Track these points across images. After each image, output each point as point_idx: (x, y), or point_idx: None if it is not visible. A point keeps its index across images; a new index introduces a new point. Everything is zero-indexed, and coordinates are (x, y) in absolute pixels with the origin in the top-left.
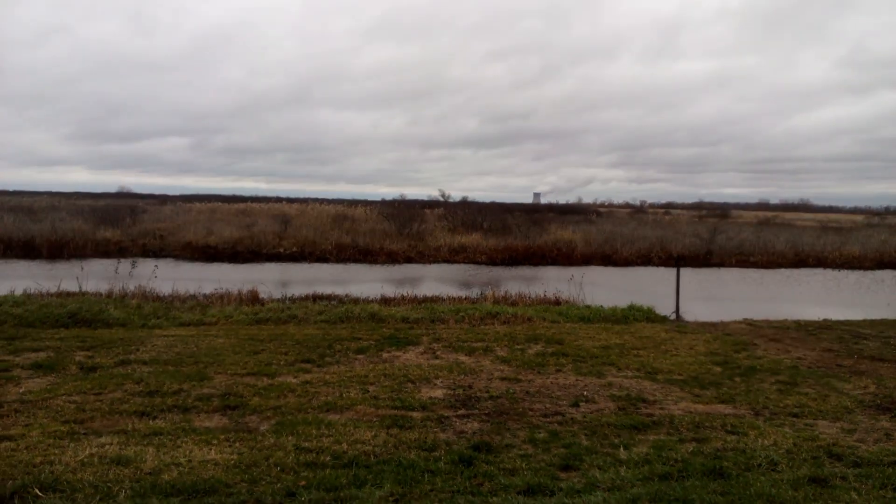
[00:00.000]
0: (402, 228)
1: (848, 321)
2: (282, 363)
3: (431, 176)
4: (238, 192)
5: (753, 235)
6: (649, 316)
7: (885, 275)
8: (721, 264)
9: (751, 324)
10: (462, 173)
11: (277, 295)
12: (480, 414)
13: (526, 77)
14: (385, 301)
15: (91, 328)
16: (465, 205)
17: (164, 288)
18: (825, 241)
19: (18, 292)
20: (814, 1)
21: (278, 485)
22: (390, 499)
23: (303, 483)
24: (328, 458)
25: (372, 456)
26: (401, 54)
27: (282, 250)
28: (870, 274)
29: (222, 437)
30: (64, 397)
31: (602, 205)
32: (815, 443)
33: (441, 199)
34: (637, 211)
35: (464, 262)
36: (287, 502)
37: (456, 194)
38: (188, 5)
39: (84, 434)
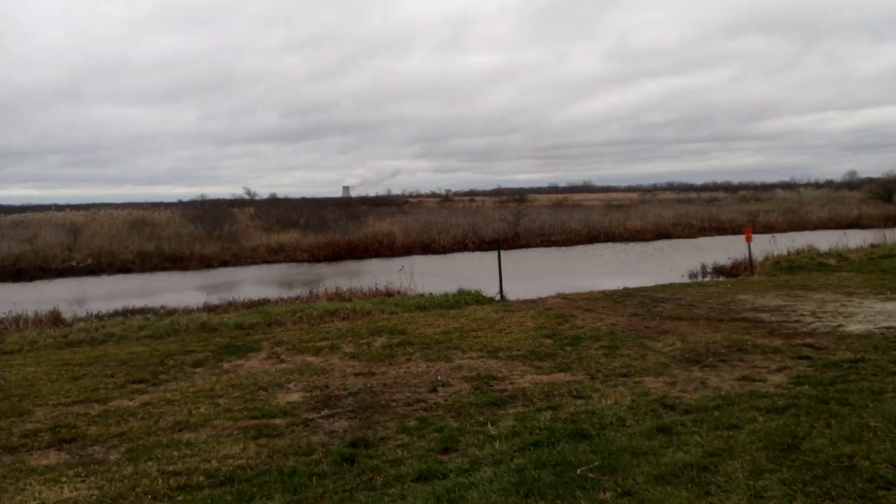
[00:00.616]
0: (211, 230)
1: (643, 287)
2: (110, 386)
3: (233, 173)
4: (3, 202)
5: (551, 217)
6: (478, 299)
7: (663, 244)
8: (528, 245)
9: (565, 297)
10: (266, 169)
11: (82, 314)
12: (345, 412)
13: (324, 69)
14: (211, 309)
15: None
16: (278, 202)
17: None
18: (611, 217)
19: None
20: None
21: None
22: None
23: None
24: (202, 479)
25: (248, 469)
26: (186, 44)
27: (74, 263)
28: (651, 245)
29: (70, 472)
30: None
31: (411, 195)
32: (649, 397)
33: (247, 196)
34: (444, 200)
35: (285, 262)
36: None
37: (263, 191)
38: None
39: None
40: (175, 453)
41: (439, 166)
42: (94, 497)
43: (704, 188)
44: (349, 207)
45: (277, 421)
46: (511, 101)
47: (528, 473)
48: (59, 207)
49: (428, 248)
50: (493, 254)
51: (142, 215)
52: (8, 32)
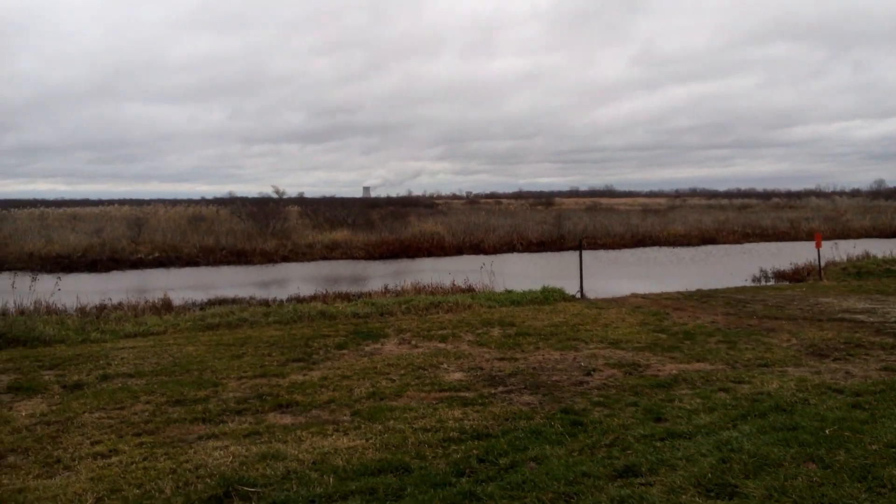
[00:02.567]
0: (264, 227)
1: (717, 289)
2: (275, 364)
3: (256, 172)
4: (31, 196)
5: (591, 220)
6: (563, 296)
7: (711, 249)
8: (575, 248)
9: (645, 297)
10: (288, 168)
11: (177, 302)
12: (520, 388)
13: (351, 71)
14: (320, 299)
15: (28, 347)
16: (326, 201)
17: (65, 301)
18: (651, 222)
19: None
20: (610, 4)
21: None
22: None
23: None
24: (455, 434)
25: (490, 427)
26: (219, 46)
27: (142, 256)
28: (698, 249)
29: (316, 429)
30: (87, 415)
31: (432, 196)
32: (809, 383)
33: (276, 195)
34: (470, 202)
35: (342, 258)
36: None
37: (291, 190)
38: None
39: (181, 443)
40: (405, 415)
41: (460, 168)
42: (376, 444)
43: (728, 194)
44: (380, 208)
45: (465, 394)
46: (535, 104)
47: (774, 434)
48: (91, 203)
49: (477, 248)
50: (542, 255)
51: (198, 211)
52: (48, 32)
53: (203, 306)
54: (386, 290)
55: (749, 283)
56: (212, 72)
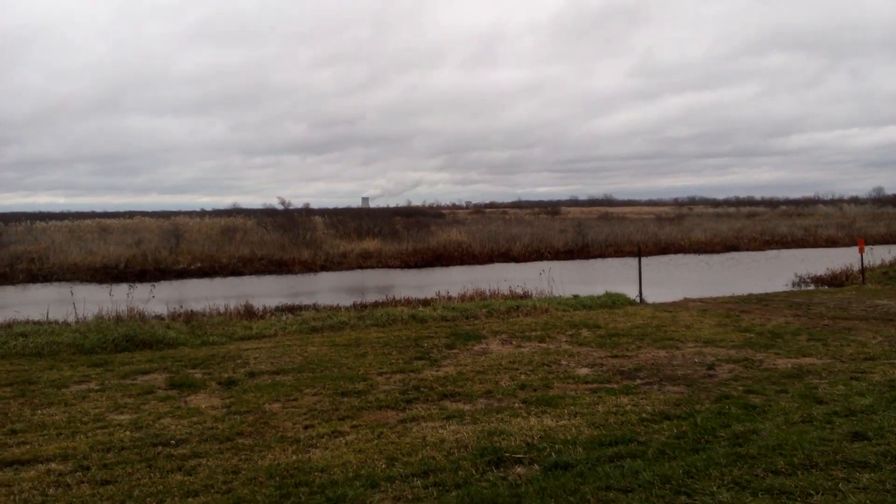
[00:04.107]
0: (295, 238)
1: (769, 293)
2: (401, 361)
3: (256, 183)
4: (32, 209)
5: (609, 229)
6: (627, 300)
7: (738, 256)
8: (601, 255)
9: (701, 301)
10: (288, 180)
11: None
12: (657, 381)
13: (353, 83)
14: (384, 304)
15: (156, 349)
16: (352, 212)
17: (155, 308)
18: (669, 230)
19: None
20: (610, 17)
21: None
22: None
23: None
24: (637, 417)
25: (670, 409)
26: (222, 59)
27: (184, 266)
28: (724, 256)
29: (511, 412)
30: (269, 405)
31: (434, 207)
32: None
33: (281, 206)
34: (476, 212)
35: (377, 267)
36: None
37: (294, 202)
38: None
39: (386, 426)
40: (577, 402)
41: (460, 178)
42: (583, 423)
43: (727, 202)
44: (402, 217)
45: (610, 385)
46: (535, 115)
47: None
48: (95, 215)
49: (507, 257)
50: (571, 262)
51: (231, 223)
52: (54, 47)
53: (281, 311)
54: (451, 297)
55: (790, 288)
56: (215, 85)
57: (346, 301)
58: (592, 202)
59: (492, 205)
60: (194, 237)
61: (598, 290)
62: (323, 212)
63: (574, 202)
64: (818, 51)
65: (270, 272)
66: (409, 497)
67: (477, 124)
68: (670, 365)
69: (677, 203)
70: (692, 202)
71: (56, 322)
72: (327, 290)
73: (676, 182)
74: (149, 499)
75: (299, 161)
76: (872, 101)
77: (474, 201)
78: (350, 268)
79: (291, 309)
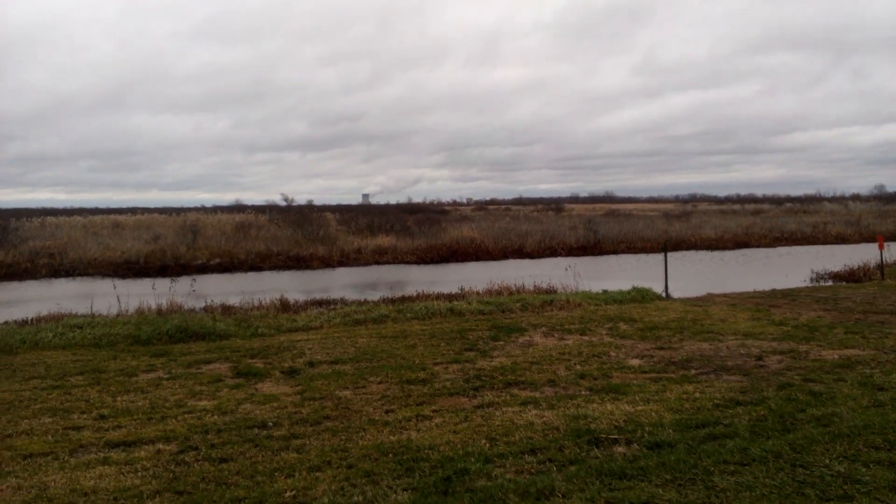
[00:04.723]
0: (308, 234)
1: (792, 289)
2: (452, 352)
3: (257, 180)
4: (29, 205)
5: (619, 225)
6: (655, 296)
7: (748, 253)
8: (614, 251)
9: (726, 296)
10: (289, 176)
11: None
12: (711, 371)
13: (356, 81)
14: (416, 298)
15: (209, 340)
16: (364, 208)
17: (194, 302)
18: (678, 227)
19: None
20: (613, 15)
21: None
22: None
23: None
24: (711, 404)
25: (739, 396)
26: (226, 57)
27: (204, 261)
28: (736, 253)
29: (584, 399)
30: (340, 392)
31: (434, 203)
32: None
33: (285, 203)
34: (479, 208)
35: (393, 263)
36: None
37: (299, 198)
38: None
39: (464, 410)
40: (644, 390)
41: (460, 175)
42: (661, 408)
43: (729, 199)
44: (392, 214)
45: (668, 374)
46: (537, 112)
47: None
48: (103, 211)
49: (520, 253)
50: (584, 259)
51: (245, 219)
52: (61, 45)
53: (314, 305)
54: (488, 291)
55: (809, 284)
56: (218, 82)
57: (371, 295)
58: (594, 199)
59: (493, 202)
60: (209, 233)
61: (616, 285)
62: (325, 208)
63: (575, 199)
64: (821, 50)
65: (289, 267)
66: (532, 470)
67: (479, 121)
68: (718, 356)
69: (679, 200)
70: (693, 199)
71: (99, 315)
72: (349, 284)
73: (678, 179)
74: (276, 473)
75: (300, 158)
76: (874, 99)
77: (475, 198)
78: (366, 263)
79: (322, 303)
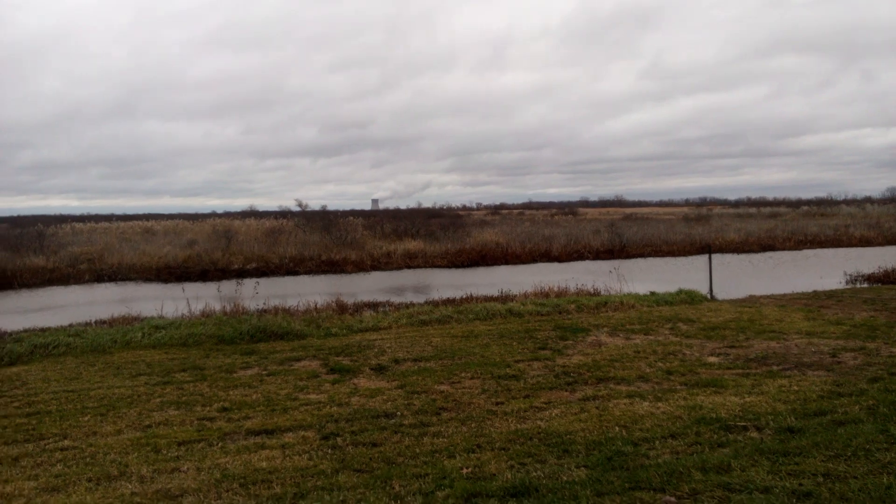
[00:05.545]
0: (338, 239)
1: (836, 290)
2: (527, 351)
3: (267, 186)
4: (41, 212)
5: (641, 229)
6: (704, 298)
7: (776, 255)
8: (640, 255)
9: (770, 297)
10: (299, 182)
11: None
12: (793, 367)
13: (365, 87)
14: (467, 300)
15: (287, 340)
16: (390, 213)
17: (249, 304)
18: (700, 230)
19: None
20: (620, 20)
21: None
22: None
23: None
24: (821, 393)
25: (842, 391)
26: (237, 64)
27: (240, 266)
28: (763, 255)
29: (694, 390)
30: (438, 387)
31: (441, 208)
32: None
33: (299, 208)
34: (493, 213)
35: (423, 267)
36: None
37: (311, 204)
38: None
39: (568, 403)
40: (737, 385)
41: (469, 180)
42: (767, 399)
43: (738, 203)
44: (411, 219)
45: (752, 370)
46: (545, 117)
47: None
48: (114, 218)
49: (548, 257)
50: (612, 262)
51: (275, 224)
52: (73, 53)
53: (366, 307)
54: (536, 293)
55: (844, 286)
56: (229, 89)
57: (414, 298)
58: (603, 203)
59: (502, 206)
60: (241, 238)
61: (652, 287)
62: (340, 213)
63: (585, 203)
64: (829, 53)
65: (323, 271)
66: (685, 451)
67: (487, 127)
68: (791, 354)
69: (690, 204)
70: (704, 203)
71: (172, 317)
72: (386, 288)
73: (687, 183)
74: (435, 454)
75: (310, 164)
76: (884, 101)
77: (484, 203)
78: (398, 267)
79: (371, 305)
